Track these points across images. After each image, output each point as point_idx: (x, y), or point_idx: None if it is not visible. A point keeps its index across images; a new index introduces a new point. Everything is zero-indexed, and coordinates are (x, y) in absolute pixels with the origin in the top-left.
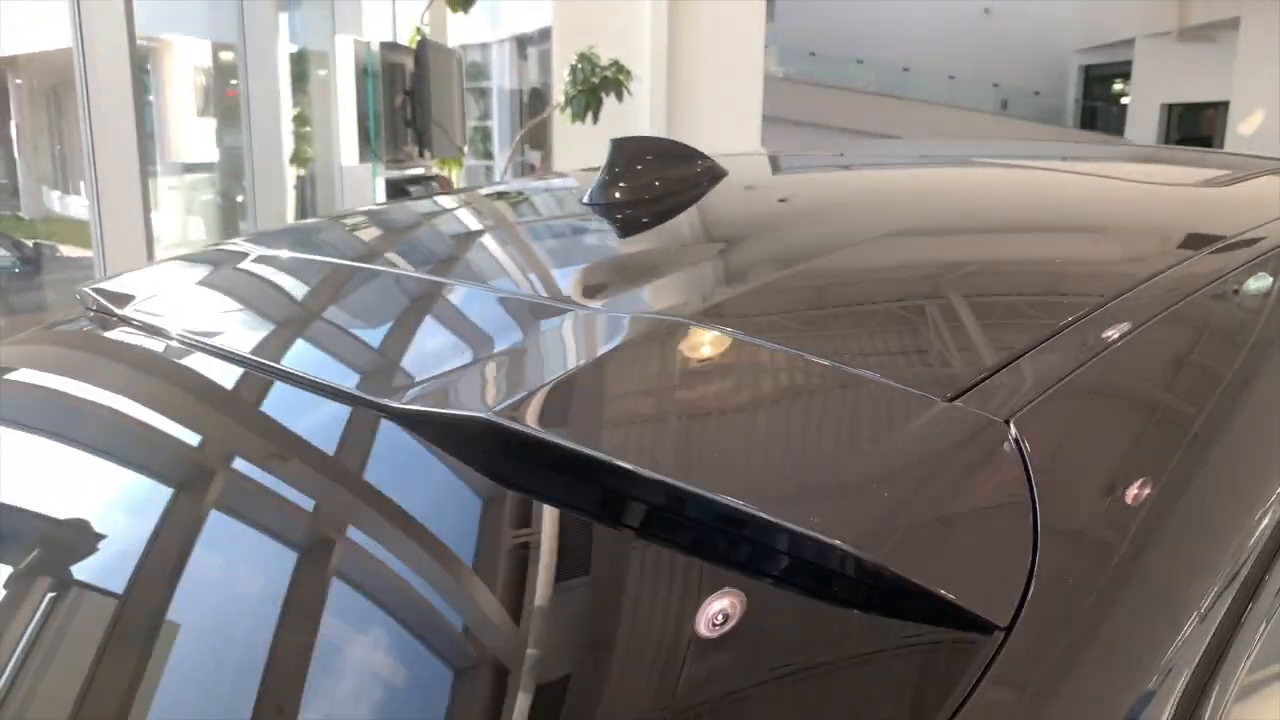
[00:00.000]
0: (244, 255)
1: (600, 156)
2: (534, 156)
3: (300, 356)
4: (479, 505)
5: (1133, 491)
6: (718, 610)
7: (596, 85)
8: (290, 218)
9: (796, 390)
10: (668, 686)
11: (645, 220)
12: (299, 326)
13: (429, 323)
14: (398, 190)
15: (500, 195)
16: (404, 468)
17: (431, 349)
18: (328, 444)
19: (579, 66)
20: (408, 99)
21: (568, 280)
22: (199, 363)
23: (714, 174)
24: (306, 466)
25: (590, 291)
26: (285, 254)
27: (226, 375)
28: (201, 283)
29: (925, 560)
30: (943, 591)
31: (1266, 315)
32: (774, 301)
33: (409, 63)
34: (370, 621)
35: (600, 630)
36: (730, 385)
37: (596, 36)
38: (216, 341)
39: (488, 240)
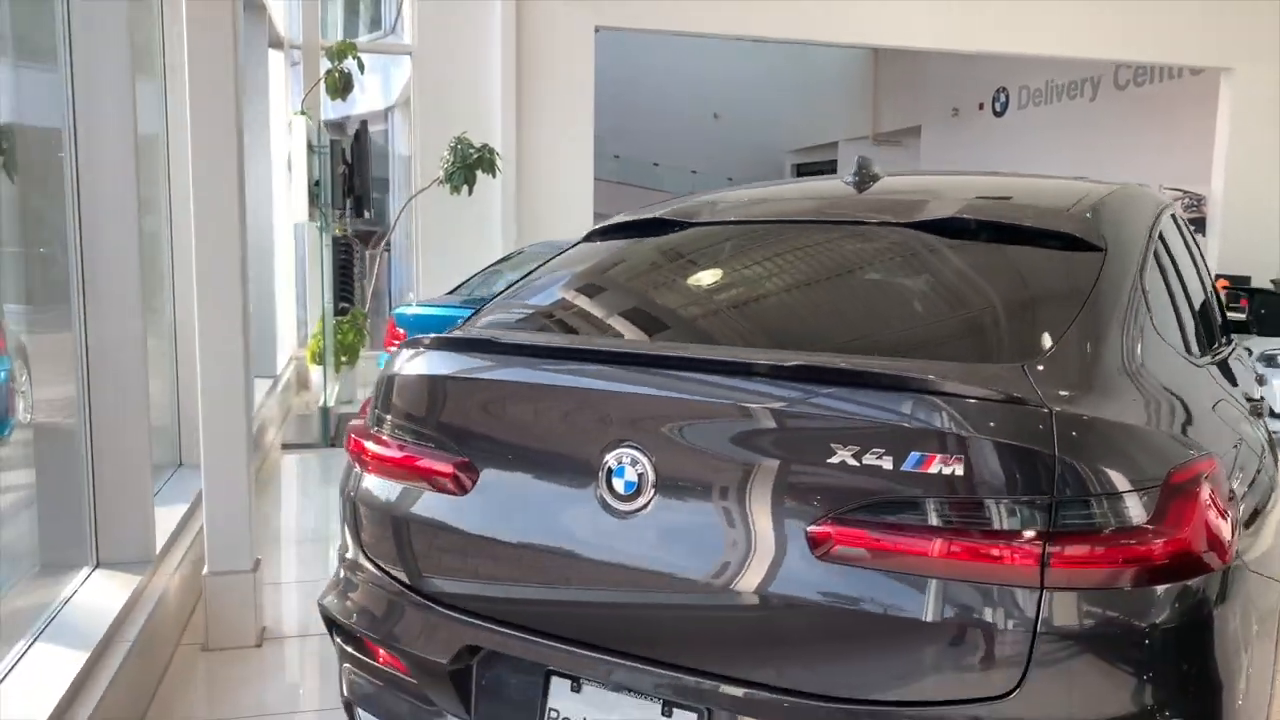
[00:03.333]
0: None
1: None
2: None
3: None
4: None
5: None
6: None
7: (473, 164)
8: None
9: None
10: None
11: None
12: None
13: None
14: (340, 245)
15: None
16: (917, 243)
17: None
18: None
19: (458, 147)
20: (348, 170)
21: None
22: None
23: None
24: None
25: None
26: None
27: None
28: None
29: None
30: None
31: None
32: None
33: (348, 140)
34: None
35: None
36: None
37: (456, 124)
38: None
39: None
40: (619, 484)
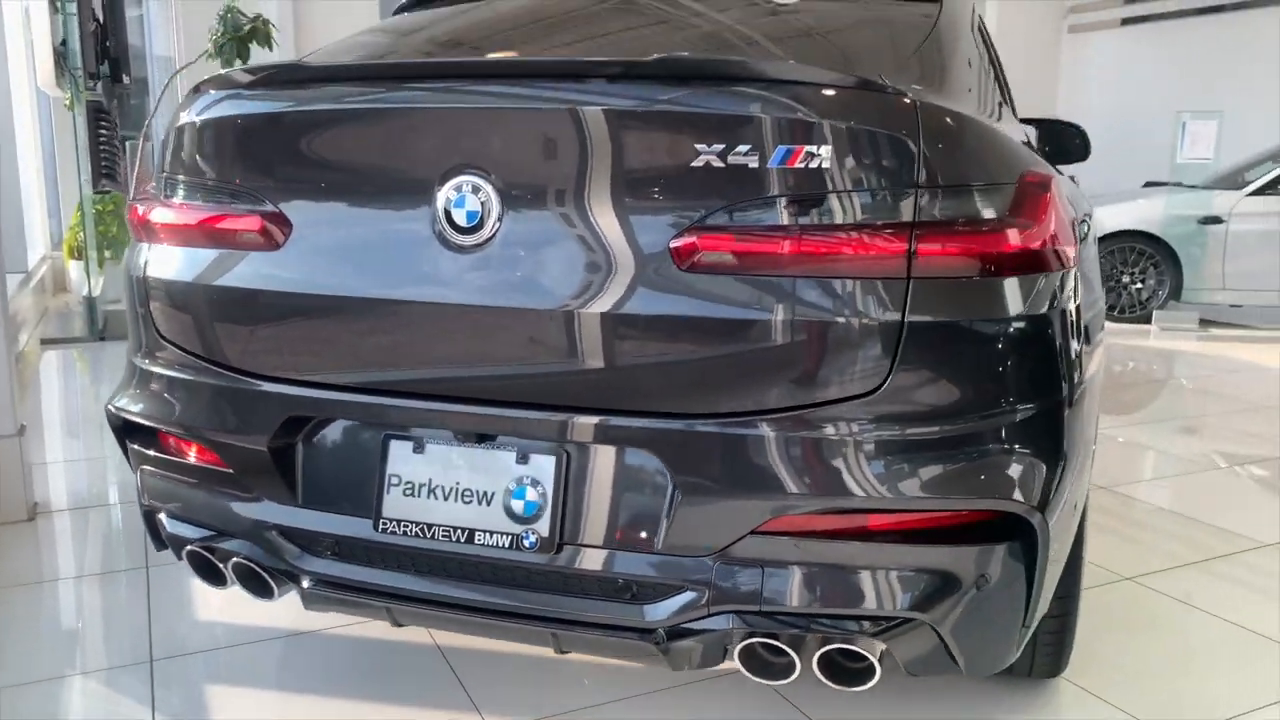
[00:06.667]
0: None
1: None
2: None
3: None
4: None
5: None
6: None
7: (245, 35)
8: None
9: None
10: None
11: None
12: None
13: None
14: (97, 112)
15: None
16: None
17: None
18: None
19: (227, 17)
20: (100, 28)
21: None
22: None
23: None
24: None
25: None
26: None
27: None
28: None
29: None
30: None
31: None
32: None
33: None
34: None
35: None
36: None
37: None
38: None
39: None
40: (459, 215)
